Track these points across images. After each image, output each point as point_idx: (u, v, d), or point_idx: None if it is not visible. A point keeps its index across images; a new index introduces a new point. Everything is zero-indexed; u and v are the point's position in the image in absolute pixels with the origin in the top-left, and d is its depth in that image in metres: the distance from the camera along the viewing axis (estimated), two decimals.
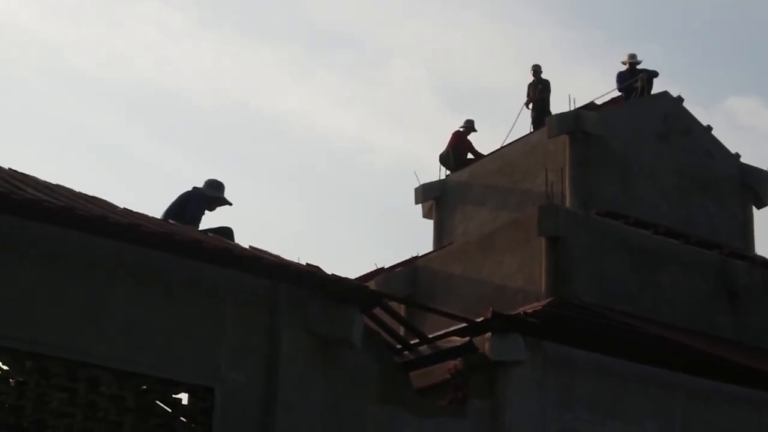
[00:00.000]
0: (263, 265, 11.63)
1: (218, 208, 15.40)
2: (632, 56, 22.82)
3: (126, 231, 10.79)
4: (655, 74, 22.66)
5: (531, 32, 50.70)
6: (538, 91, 23.60)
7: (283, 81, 50.00)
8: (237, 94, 49.54)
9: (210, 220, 15.24)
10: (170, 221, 13.97)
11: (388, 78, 51.12)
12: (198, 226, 14.58)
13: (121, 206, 12.58)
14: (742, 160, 22.05)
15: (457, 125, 23.37)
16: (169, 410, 11.13)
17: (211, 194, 15.18)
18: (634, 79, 22.41)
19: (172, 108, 48.97)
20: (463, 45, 50.14)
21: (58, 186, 12.45)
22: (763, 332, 19.09)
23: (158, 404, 11.08)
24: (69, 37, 48.46)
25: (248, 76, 49.85)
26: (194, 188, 15.21)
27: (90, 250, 10.79)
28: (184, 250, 11.17)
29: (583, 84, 49.71)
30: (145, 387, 10.98)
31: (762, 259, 20.43)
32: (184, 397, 11.26)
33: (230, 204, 15.34)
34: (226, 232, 14.42)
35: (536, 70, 23.86)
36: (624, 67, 22.84)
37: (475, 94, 49.41)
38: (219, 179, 15.40)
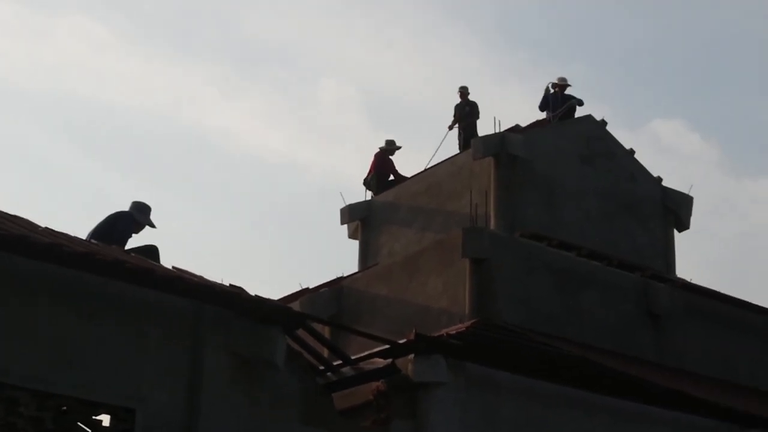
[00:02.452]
0: (186, 286, 11.56)
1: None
2: (562, 79, 23.00)
3: (47, 251, 10.68)
4: (580, 103, 22.84)
5: (458, 53, 51.04)
6: (466, 113, 23.71)
7: (211, 97, 49.90)
8: (165, 110, 49.33)
9: (135, 238, 15.22)
10: (94, 241, 13.88)
11: (317, 96, 51.24)
12: (125, 247, 14.50)
13: (43, 225, 12.46)
14: (665, 183, 22.37)
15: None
16: None
17: (140, 219, 15.14)
18: (564, 106, 22.56)
19: (98, 121, 48.57)
20: (392, 65, 50.39)
21: None
22: (684, 354, 19.30)
23: (79, 425, 10.96)
24: None
25: (176, 91, 49.69)
26: (125, 210, 15.19)
27: (10, 269, 10.67)
28: (105, 270, 11.08)
29: (509, 104, 50.09)
30: (65, 408, 10.86)
31: (683, 281, 20.68)
32: (105, 419, 11.15)
33: (155, 227, 15.32)
34: (151, 251, 14.35)
35: (463, 91, 23.98)
36: (551, 90, 23.00)
37: (404, 113, 49.65)
38: (145, 202, 15.37)
